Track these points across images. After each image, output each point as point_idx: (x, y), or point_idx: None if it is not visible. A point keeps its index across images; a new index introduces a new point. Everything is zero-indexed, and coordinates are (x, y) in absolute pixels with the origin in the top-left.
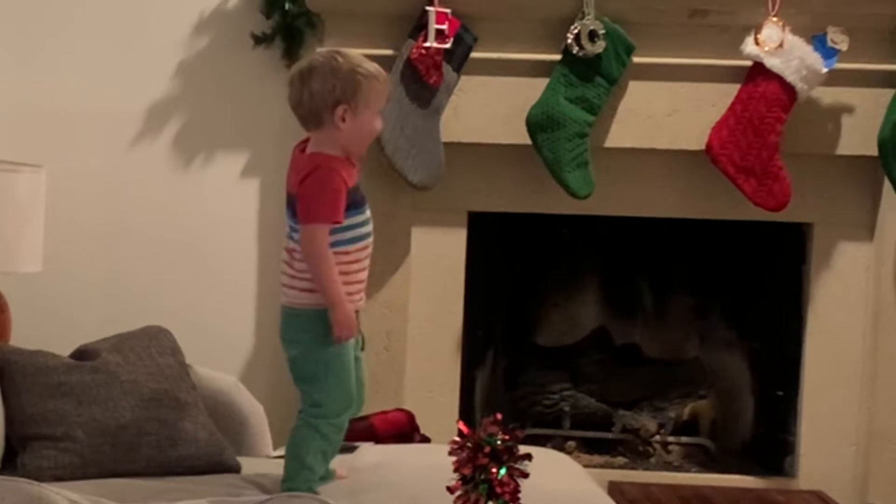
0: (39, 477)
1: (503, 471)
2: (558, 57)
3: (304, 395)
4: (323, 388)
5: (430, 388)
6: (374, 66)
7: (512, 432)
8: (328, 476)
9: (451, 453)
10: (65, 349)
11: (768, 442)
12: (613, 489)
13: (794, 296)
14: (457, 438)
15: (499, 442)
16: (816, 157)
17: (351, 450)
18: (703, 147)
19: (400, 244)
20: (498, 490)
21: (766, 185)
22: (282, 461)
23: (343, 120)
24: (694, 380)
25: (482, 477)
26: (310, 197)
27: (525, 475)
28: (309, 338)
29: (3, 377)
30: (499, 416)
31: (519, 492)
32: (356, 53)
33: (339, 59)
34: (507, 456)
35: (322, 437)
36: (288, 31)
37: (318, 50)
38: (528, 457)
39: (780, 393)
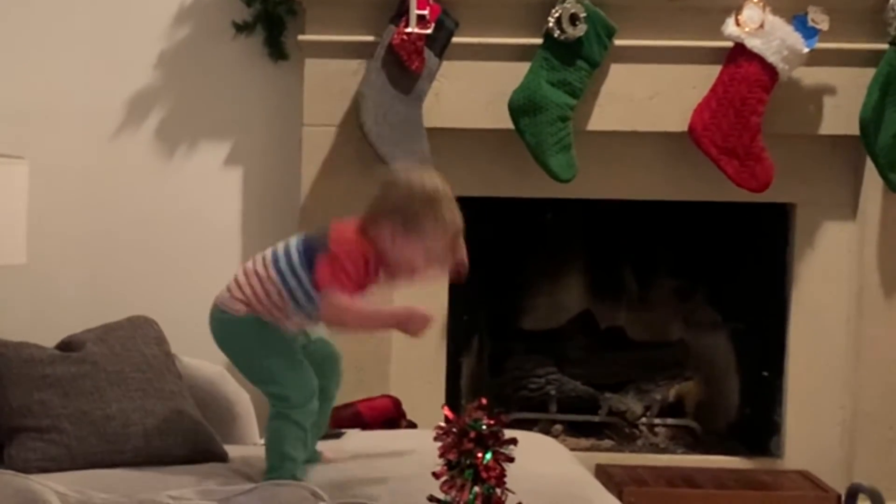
0: (26, 469)
1: (489, 455)
2: (540, 41)
3: (267, 394)
4: (277, 382)
5: (416, 374)
6: (452, 216)
7: (497, 417)
8: (314, 458)
9: (436, 439)
10: (50, 341)
11: (754, 423)
12: (600, 472)
13: (778, 276)
14: (442, 424)
15: (484, 427)
16: (798, 138)
17: (337, 436)
18: (685, 129)
19: None
20: (483, 475)
21: (749, 166)
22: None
23: (391, 237)
24: (679, 362)
25: (468, 462)
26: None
27: (510, 459)
28: (241, 344)
29: None
30: (483, 400)
31: (505, 476)
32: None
33: (426, 186)
34: (492, 441)
35: (295, 424)
36: (269, 20)
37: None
38: (514, 441)
39: (766, 374)
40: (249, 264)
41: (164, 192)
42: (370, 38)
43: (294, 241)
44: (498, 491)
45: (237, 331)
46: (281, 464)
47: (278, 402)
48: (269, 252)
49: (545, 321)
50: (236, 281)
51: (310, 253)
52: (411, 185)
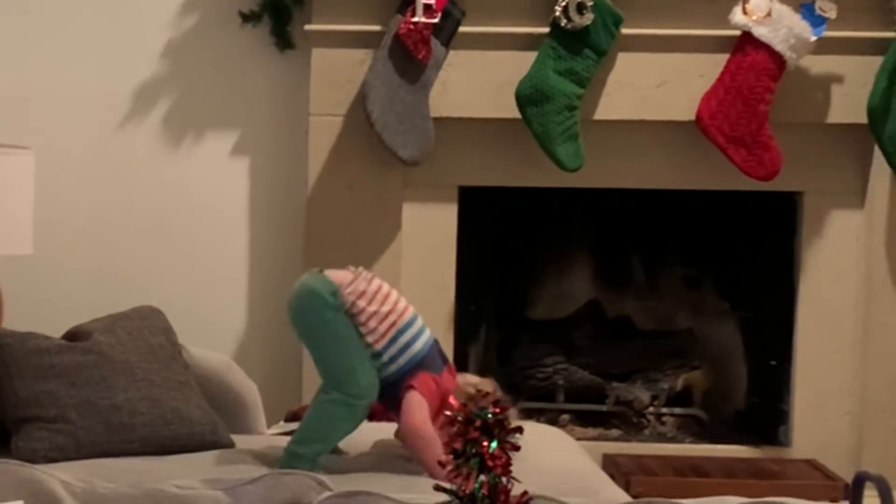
0: (33, 459)
1: (494, 444)
2: (547, 30)
3: (336, 381)
4: (355, 371)
5: None
6: None
7: (502, 406)
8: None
9: (441, 428)
10: (57, 331)
11: (762, 411)
12: (608, 461)
13: (786, 265)
14: (447, 413)
15: (489, 415)
16: (806, 126)
17: None
18: (692, 118)
19: (391, 221)
20: (489, 463)
21: (756, 154)
22: (275, 440)
23: None
24: (687, 351)
25: (473, 451)
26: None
27: (516, 448)
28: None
29: None
30: (490, 390)
31: (510, 465)
32: None
33: None
34: (498, 429)
35: (354, 419)
36: (275, 9)
37: None
38: (520, 430)
39: (773, 362)
40: (387, 297)
41: (171, 181)
42: (377, 28)
43: (428, 333)
44: (504, 480)
45: (325, 316)
46: (311, 443)
47: (336, 391)
48: (407, 315)
49: (553, 310)
50: (369, 286)
51: (423, 362)
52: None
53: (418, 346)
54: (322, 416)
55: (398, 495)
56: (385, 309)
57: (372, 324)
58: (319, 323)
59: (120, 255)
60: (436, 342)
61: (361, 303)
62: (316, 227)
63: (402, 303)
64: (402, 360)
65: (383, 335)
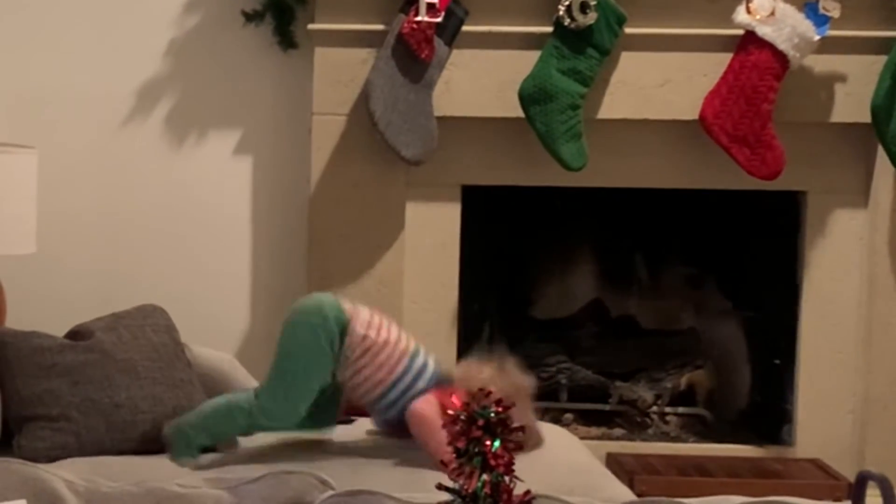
0: (36, 458)
1: (497, 443)
2: (550, 29)
3: (268, 384)
4: (289, 400)
5: None
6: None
7: (505, 405)
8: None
9: (443, 426)
10: (60, 330)
11: (765, 411)
12: (611, 461)
13: (789, 264)
14: (450, 412)
15: (492, 414)
16: (809, 126)
17: (348, 422)
18: (695, 117)
19: (394, 220)
20: (492, 463)
21: (760, 153)
22: (277, 438)
23: None
24: (690, 350)
25: (476, 450)
26: None
27: (519, 447)
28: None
29: None
30: (492, 388)
31: (513, 464)
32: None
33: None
34: (500, 428)
35: (245, 430)
36: (278, 8)
37: None
38: (522, 429)
39: (777, 362)
40: (390, 326)
41: (174, 181)
42: (380, 27)
43: (433, 361)
44: (506, 479)
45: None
46: (201, 430)
47: (261, 405)
48: (412, 342)
49: (556, 310)
50: (372, 317)
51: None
52: (518, 381)
53: (430, 368)
54: (225, 414)
55: (400, 494)
56: (393, 336)
57: (384, 355)
58: (308, 345)
59: (123, 253)
60: (439, 369)
61: (371, 334)
62: (319, 226)
63: (404, 333)
64: (419, 384)
65: (396, 363)
